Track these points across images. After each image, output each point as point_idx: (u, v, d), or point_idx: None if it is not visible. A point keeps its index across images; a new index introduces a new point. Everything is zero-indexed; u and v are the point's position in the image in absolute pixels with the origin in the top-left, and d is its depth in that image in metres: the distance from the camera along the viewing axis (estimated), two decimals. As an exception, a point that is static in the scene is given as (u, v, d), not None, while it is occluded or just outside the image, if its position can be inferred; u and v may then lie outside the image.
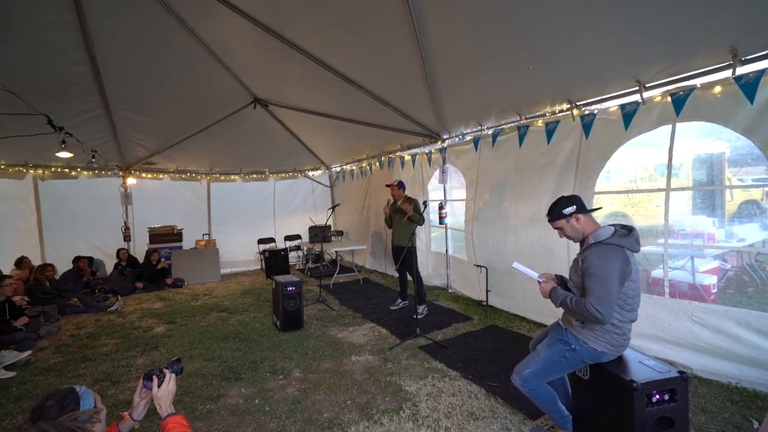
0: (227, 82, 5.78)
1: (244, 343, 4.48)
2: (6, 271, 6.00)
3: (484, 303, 5.25)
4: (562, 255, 4.12)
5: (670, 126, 3.41)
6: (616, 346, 2.17)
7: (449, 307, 5.48)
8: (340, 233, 9.66)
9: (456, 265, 6.22)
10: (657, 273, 4.71)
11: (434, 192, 6.61)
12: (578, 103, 4.06)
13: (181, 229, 8.49)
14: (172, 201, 8.73)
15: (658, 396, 1.98)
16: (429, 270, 6.74)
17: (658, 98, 3.45)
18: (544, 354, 2.31)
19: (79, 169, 7.62)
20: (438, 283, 6.59)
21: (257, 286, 7.50)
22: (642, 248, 2.24)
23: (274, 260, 8.08)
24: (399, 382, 3.39)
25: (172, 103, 6.15)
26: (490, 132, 5.17)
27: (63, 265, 6.84)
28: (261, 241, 9.37)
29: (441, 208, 6.03)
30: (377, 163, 8.01)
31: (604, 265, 2.07)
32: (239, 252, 9.32)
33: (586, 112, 4.02)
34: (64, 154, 5.83)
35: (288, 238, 9.58)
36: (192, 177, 8.86)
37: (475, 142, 5.37)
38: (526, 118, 4.67)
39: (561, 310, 2.35)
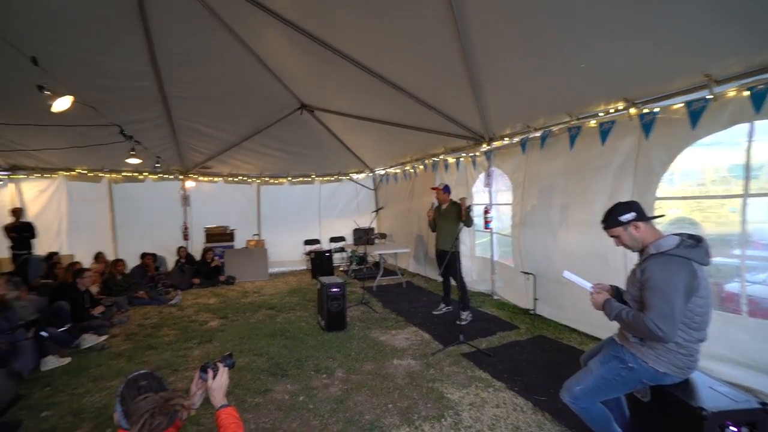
0: (276, 89, 6.04)
1: (291, 340, 4.63)
2: (86, 265, 6.65)
3: (532, 312, 5.04)
4: (618, 264, 3.85)
5: (747, 124, 3.08)
6: (681, 368, 1.99)
7: (494, 315, 5.33)
8: (383, 236, 9.72)
9: (502, 271, 6.04)
10: (732, 287, 4.26)
11: (479, 195, 6.46)
12: (636, 102, 3.79)
13: (233, 230, 8.98)
14: (225, 203, 9.24)
15: (734, 429, 1.75)
16: (473, 275, 6.60)
17: (732, 93, 3.13)
18: (597, 371, 2.17)
19: (145, 173, 8.30)
20: (483, 289, 6.43)
21: (303, 285, 7.73)
22: (713, 259, 2.04)
23: (319, 261, 8.30)
24: (441, 389, 3.35)
25: (226, 111, 6.52)
26: (539, 134, 4.96)
27: (132, 261, 7.48)
28: (307, 242, 9.66)
29: (486, 212, 5.89)
30: (421, 166, 7.98)
31: (667, 277, 1.91)
32: (286, 252, 9.65)
33: (646, 111, 3.74)
34: (134, 160, 6.40)
35: (333, 239, 9.80)
36: (243, 180, 9.32)
37: (523, 144, 5.19)
38: (578, 119, 4.43)
39: (616, 324, 2.20)
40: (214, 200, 9.14)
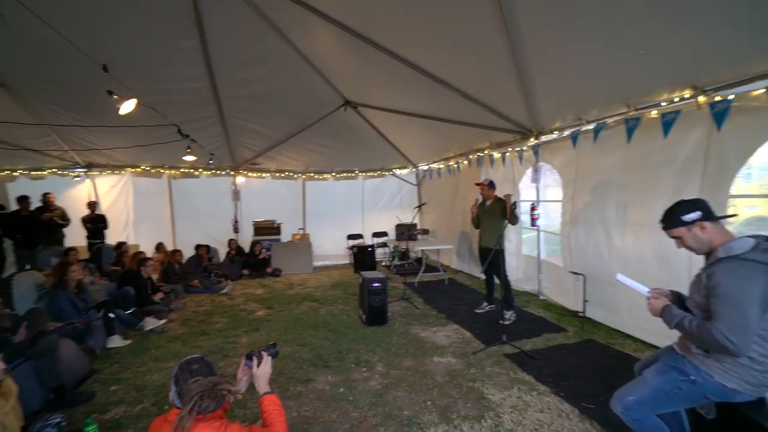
0: (320, 86, 6.15)
1: (332, 333, 4.74)
2: (148, 255, 7.21)
3: (581, 314, 4.79)
4: (681, 268, 3.52)
5: None
6: (755, 386, 1.79)
7: (540, 315, 5.12)
8: (426, 232, 9.66)
9: (549, 271, 5.78)
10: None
11: (526, 191, 6.22)
12: (706, 89, 3.44)
13: (279, 224, 9.32)
14: (272, 198, 9.60)
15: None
16: (519, 274, 6.38)
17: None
18: (654, 381, 2.01)
19: (200, 170, 8.82)
20: (528, 289, 6.20)
21: (345, 279, 7.88)
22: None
23: (362, 256, 8.40)
24: (482, 389, 3.28)
25: (274, 108, 6.75)
26: (592, 126, 4.66)
27: (188, 252, 8.00)
28: (350, 237, 9.81)
29: (533, 209, 5.65)
30: (465, 162, 7.81)
31: (740, 285, 1.71)
32: (330, 246, 9.87)
33: (718, 99, 3.37)
34: (190, 158, 6.82)
35: (375, 234, 9.87)
36: (290, 176, 9.63)
37: (574, 137, 4.90)
38: (637, 109, 4.11)
39: (676, 333, 2.03)
40: (262, 195, 9.53)
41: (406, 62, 4.83)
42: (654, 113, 3.92)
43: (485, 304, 5.46)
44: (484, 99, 5.28)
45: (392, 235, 9.49)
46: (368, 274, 5.17)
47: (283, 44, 5.06)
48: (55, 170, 7.95)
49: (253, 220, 9.24)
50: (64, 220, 7.27)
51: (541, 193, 5.76)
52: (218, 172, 9.01)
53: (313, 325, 5.05)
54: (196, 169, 8.76)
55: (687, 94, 3.58)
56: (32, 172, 7.79)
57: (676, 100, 3.71)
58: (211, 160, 7.87)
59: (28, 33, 4.26)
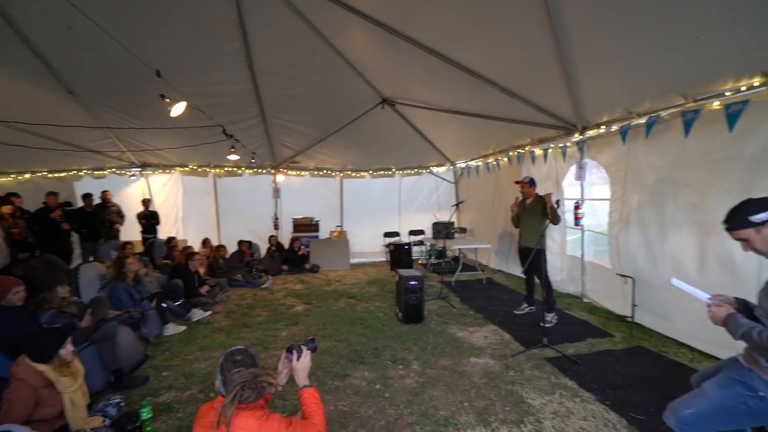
0: (358, 85, 6.19)
1: (369, 329, 4.78)
2: (195, 249, 7.62)
3: (629, 319, 4.52)
4: (749, 274, 3.21)
5: None
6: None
7: (583, 319, 4.90)
8: (463, 230, 9.50)
9: (594, 272, 5.51)
10: None
11: (570, 189, 5.95)
12: (780, 76, 3.13)
13: (318, 221, 9.52)
14: (311, 195, 9.82)
15: None
16: (563, 275, 6.13)
17: None
18: (715, 395, 1.86)
19: (243, 168, 9.18)
20: (571, 291, 5.94)
21: (382, 277, 7.92)
22: None
23: (398, 254, 8.41)
24: (521, 392, 3.19)
25: (313, 108, 6.89)
26: (643, 120, 4.37)
27: (231, 247, 8.36)
28: (387, 235, 9.83)
29: (577, 207, 5.40)
30: (505, 159, 7.60)
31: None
32: (366, 244, 9.95)
33: (794, 87, 3.06)
34: (233, 157, 7.12)
35: (412, 232, 9.85)
36: (328, 174, 9.80)
37: (623, 133, 4.62)
38: (696, 101, 3.80)
39: (741, 344, 1.86)
40: (301, 193, 9.76)
41: (445, 58, 4.77)
42: (716, 104, 3.62)
43: (525, 305, 5.29)
44: (525, 94, 5.11)
45: (429, 233, 9.42)
46: (405, 272, 5.16)
47: (321, 44, 5.14)
48: (114, 170, 8.57)
49: (292, 217, 9.50)
50: (120, 216, 7.83)
51: (585, 191, 5.49)
52: (259, 170, 9.33)
53: (350, 321, 5.11)
54: (239, 167, 9.12)
55: (757, 82, 3.27)
56: (95, 172, 8.44)
57: (744, 89, 3.39)
58: (253, 159, 8.17)
59: (92, 44, 4.60)
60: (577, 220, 5.42)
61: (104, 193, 7.70)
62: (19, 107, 5.84)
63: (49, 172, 8.09)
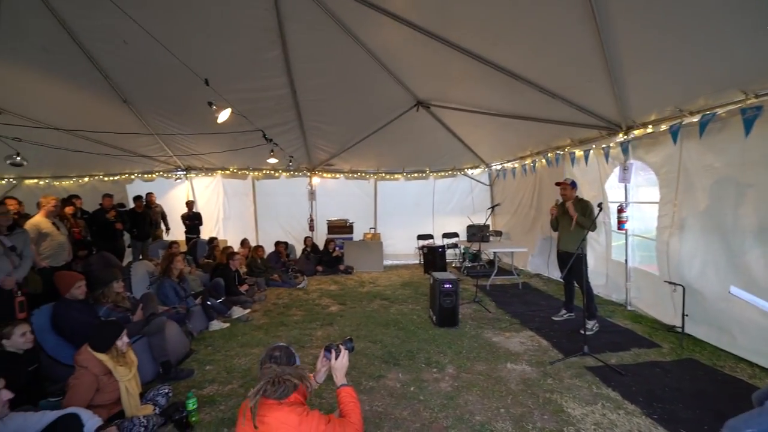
0: (393, 87, 6.24)
1: (403, 331, 4.79)
2: (235, 249, 7.93)
3: (678, 330, 4.26)
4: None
5: None
6: None
7: (627, 328, 4.67)
8: (499, 233, 9.32)
9: (640, 279, 5.23)
10: None
11: (612, 192, 5.70)
12: None
13: (352, 223, 9.65)
14: (345, 197, 9.98)
15: None
16: (605, 281, 5.87)
17: None
18: (779, 412, 1.73)
19: (280, 171, 9.47)
20: (615, 298, 5.68)
21: (415, 279, 7.90)
22: None
23: (432, 256, 8.36)
24: (560, 401, 3.08)
25: (349, 111, 7.01)
26: (696, 119, 4.12)
27: (268, 248, 8.63)
28: (420, 237, 9.80)
29: (620, 211, 5.16)
30: (543, 160, 7.38)
31: None
32: (400, 246, 9.97)
33: None
34: (272, 160, 7.37)
35: (446, 235, 9.76)
36: (362, 176, 9.92)
37: (673, 132, 4.36)
38: (758, 96, 3.54)
39: None
40: (336, 195, 9.94)
41: (482, 59, 4.72)
42: (781, 100, 3.36)
43: (564, 311, 5.11)
44: (566, 93, 4.98)
45: (463, 236, 9.30)
46: (439, 274, 5.13)
47: (357, 48, 5.22)
48: (162, 173, 9.10)
49: (327, 219, 9.68)
50: (163, 217, 8.31)
51: (630, 194, 5.24)
52: (296, 173, 9.59)
53: (384, 323, 5.14)
54: (277, 170, 9.42)
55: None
56: (144, 175, 9.00)
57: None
58: (290, 162, 8.41)
59: (145, 56, 4.93)
60: (620, 224, 5.18)
61: (148, 195, 8.17)
62: (81, 116, 6.35)
63: (105, 175, 8.72)
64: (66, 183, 8.50)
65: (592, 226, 4.41)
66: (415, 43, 4.84)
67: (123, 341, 2.74)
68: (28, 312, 3.57)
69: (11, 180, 8.13)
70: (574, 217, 4.56)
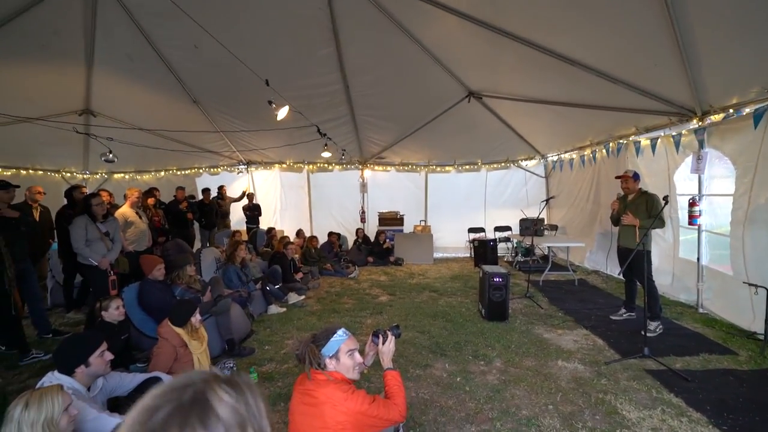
0: (444, 79, 6.20)
1: (451, 323, 4.82)
2: (291, 239, 8.38)
3: (760, 336, 3.87)
4: None
5: None
6: None
7: (697, 331, 4.32)
8: (554, 227, 8.93)
9: (713, 279, 4.80)
10: None
11: (683, 184, 5.24)
12: None
13: (402, 215, 9.75)
14: (396, 190, 10.08)
15: None
16: (671, 280, 5.45)
17: None
18: None
19: (333, 164, 9.78)
20: (683, 299, 5.26)
21: (465, 272, 7.85)
22: None
23: (483, 250, 8.23)
24: (614, 402, 2.97)
25: (400, 104, 7.09)
26: (787, 101, 3.68)
27: (322, 238, 9.01)
28: (471, 230, 9.67)
29: (693, 204, 4.75)
30: (603, 151, 6.95)
31: None
32: (450, 239, 9.91)
33: None
34: (326, 154, 7.66)
35: (498, 228, 9.53)
36: (413, 169, 9.96)
37: (756, 117, 3.91)
38: None
39: None
40: (387, 187, 10.08)
41: (536, 46, 4.56)
42: None
43: (623, 310, 4.84)
44: (630, 78, 4.66)
45: (516, 229, 9.04)
46: (489, 268, 5.08)
47: (408, 42, 5.27)
48: (226, 167, 9.81)
49: (378, 211, 9.86)
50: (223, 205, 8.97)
51: (705, 186, 4.79)
52: (348, 166, 9.86)
53: (432, 314, 5.20)
54: (330, 163, 9.75)
55: None
56: (211, 169, 9.76)
57: None
58: (343, 155, 8.67)
59: (212, 59, 5.35)
60: (692, 218, 4.78)
61: (220, 188, 8.85)
62: (158, 117, 7.06)
63: (177, 169, 9.59)
64: (146, 177, 9.47)
65: (659, 223, 4.11)
66: (466, 33, 4.79)
67: (197, 318, 3.07)
68: (118, 289, 4.10)
69: (104, 174, 9.24)
70: (636, 224, 4.27)
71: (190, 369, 2.94)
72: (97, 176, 9.23)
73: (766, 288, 3.79)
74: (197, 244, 8.17)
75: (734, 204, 4.31)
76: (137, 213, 5.54)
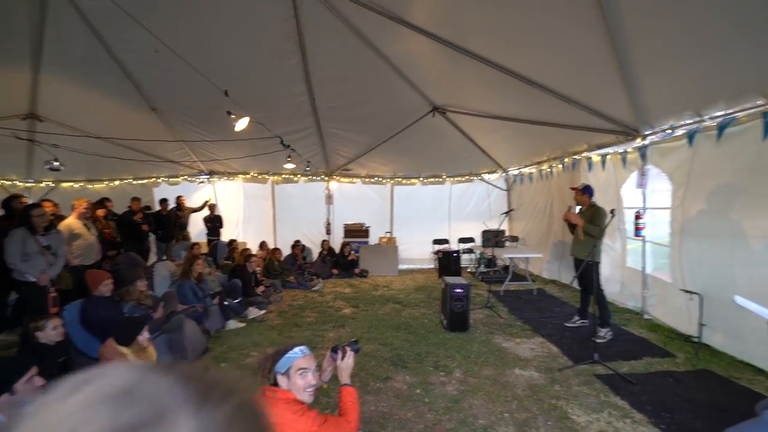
0: (409, 94, 6.33)
1: (413, 335, 4.84)
2: (254, 252, 8.17)
3: (695, 339, 4.15)
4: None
5: None
6: None
7: (642, 336, 4.58)
8: (515, 239, 9.23)
9: (656, 287, 5.12)
10: None
11: (631, 197, 5.60)
12: None
13: (368, 227, 9.75)
14: (362, 202, 10.07)
15: None
16: (621, 288, 5.76)
17: None
18: (776, 423, 1.71)
19: (298, 176, 9.68)
20: (631, 306, 5.56)
21: (429, 284, 7.93)
22: None
23: (447, 261, 8.37)
24: (566, 408, 3.08)
25: (366, 117, 7.13)
26: (715, 123, 4.04)
27: (286, 250, 8.84)
28: (436, 242, 9.79)
29: (638, 217, 5.07)
30: (559, 166, 7.31)
31: None
32: (415, 250, 9.97)
33: None
34: (289, 165, 7.58)
35: (462, 240, 9.73)
36: (379, 181, 10.01)
37: (690, 136, 4.28)
38: (779, 101, 3.46)
39: None
40: (353, 199, 10.05)
41: (496, 66, 4.76)
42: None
43: (577, 318, 5.06)
44: (581, 99, 4.95)
45: (479, 241, 9.26)
46: (451, 279, 5.17)
47: (374, 56, 5.35)
48: (186, 177, 9.47)
49: (343, 223, 9.81)
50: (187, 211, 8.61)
51: (648, 200, 5.14)
52: (314, 177, 9.77)
53: (395, 326, 5.21)
54: (295, 175, 9.63)
55: None
56: (170, 179, 9.39)
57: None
58: (307, 167, 8.60)
59: (172, 65, 5.20)
60: (638, 230, 5.09)
61: (179, 198, 8.51)
62: (113, 124, 6.74)
63: (134, 179, 9.15)
64: (98, 186, 8.97)
65: (600, 234, 4.35)
66: (432, 51, 4.94)
67: (144, 336, 2.92)
68: (60, 307, 3.83)
69: (49, 183, 8.65)
70: (578, 225, 4.53)
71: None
72: (42, 185, 8.64)
73: (700, 295, 4.10)
74: (153, 258, 7.80)
75: (671, 216, 4.66)
76: (85, 225, 5.23)
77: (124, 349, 2.79)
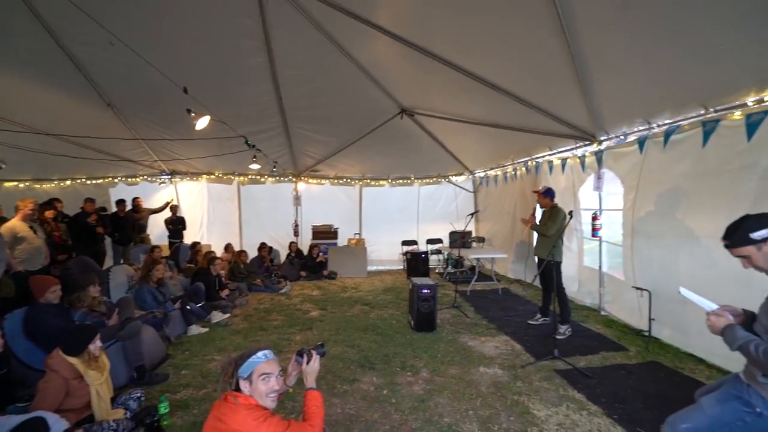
0: (378, 96, 6.35)
1: (381, 336, 4.85)
2: (218, 254, 7.91)
3: (646, 333, 4.42)
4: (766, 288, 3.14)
5: None
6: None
7: (598, 332, 4.81)
8: (481, 240, 9.46)
9: (611, 285, 5.40)
10: None
11: (587, 200, 5.87)
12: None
13: (337, 228, 9.69)
14: (331, 203, 10.00)
15: None
16: (578, 286, 6.02)
17: None
18: (712, 410, 1.84)
19: (265, 176, 9.48)
20: (588, 303, 5.83)
21: (398, 285, 7.98)
22: None
23: (415, 262, 8.46)
24: (527, 403, 3.18)
25: (334, 118, 7.09)
26: (662, 130, 4.32)
27: (252, 252, 8.62)
28: (404, 243, 9.86)
29: (595, 218, 5.33)
30: (523, 168, 7.56)
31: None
32: (384, 252, 10.03)
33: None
34: (255, 166, 7.41)
35: (430, 241, 9.86)
36: (347, 182, 9.98)
37: (640, 142, 4.56)
38: (716, 111, 3.74)
39: None
40: (321, 200, 9.96)
41: (463, 71, 4.86)
42: (737, 114, 3.56)
43: (539, 316, 5.25)
44: (543, 104, 5.14)
45: (447, 242, 9.42)
46: (418, 280, 5.22)
47: (342, 57, 5.32)
48: (146, 177, 9.04)
49: (312, 225, 9.70)
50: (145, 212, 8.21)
51: (603, 202, 5.41)
52: (281, 178, 9.61)
53: (363, 327, 5.20)
54: (262, 175, 9.43)
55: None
56: (128, 179, 8.94)
57: (766, 99, 3.33)
58: (274, 167, 8.44)
59: (129, 59, 4.94)
60: (595, 231, 5.35)
61: (135, 199, 8.11)
62: (63, 120, 6.31)
63: (87, 178, 8.64)
64: (47, 186, 8.39)
65: (549, 231, 4.61)
66: (399, 53, 4.97)
67: (95, 345, 2.75)
68: (0, 316, 3.55)
69: (-10, 183, 8.01)
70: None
71: (85, 403, 2.62)
72: (-18, 185, 7.99)
73: (649, 291, 4.36)
74: (109, 262, 7.39)
75: (623, 217, 4.94)
76: (31, 227, 4.89)
77: (73, 360, 2.63)
